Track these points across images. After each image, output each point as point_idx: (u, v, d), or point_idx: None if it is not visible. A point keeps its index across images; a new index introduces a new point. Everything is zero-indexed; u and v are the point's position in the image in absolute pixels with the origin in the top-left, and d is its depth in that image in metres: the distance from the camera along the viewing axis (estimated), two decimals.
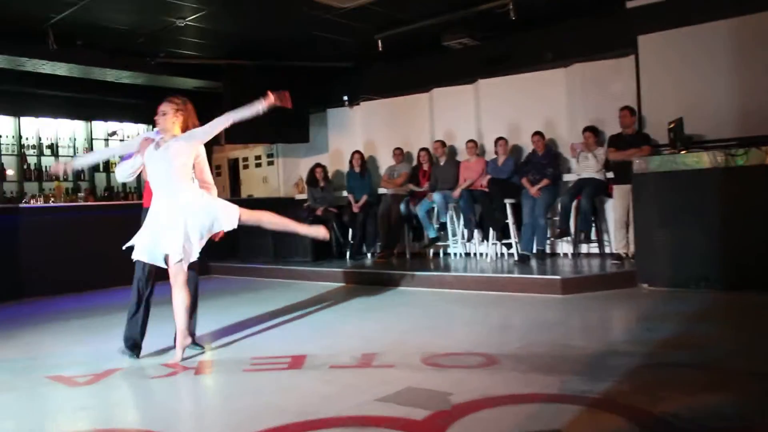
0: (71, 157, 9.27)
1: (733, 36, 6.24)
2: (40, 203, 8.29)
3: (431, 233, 7.53)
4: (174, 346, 3.89)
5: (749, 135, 5.74)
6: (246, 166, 10.99)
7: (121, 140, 9.52)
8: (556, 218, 6.87)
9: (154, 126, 4.04)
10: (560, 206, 6.74)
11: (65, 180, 9.15)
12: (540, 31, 7.79)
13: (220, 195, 4.14)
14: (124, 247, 3.82)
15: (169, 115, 3.78)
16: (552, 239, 7.16)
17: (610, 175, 6.62)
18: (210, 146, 8.70)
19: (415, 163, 8.36)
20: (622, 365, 3.20)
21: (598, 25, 7.31)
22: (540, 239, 6.86)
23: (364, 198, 8.22)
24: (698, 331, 4.00)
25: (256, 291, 6.96)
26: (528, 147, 7.48)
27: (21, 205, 7.80)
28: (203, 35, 7.87)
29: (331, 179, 8.86)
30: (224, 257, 8.46)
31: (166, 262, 3.77)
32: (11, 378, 3.67)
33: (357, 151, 8.59)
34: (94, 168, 9.78)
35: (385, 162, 8.86)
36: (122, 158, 4.02)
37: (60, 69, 8.26)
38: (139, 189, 9.66)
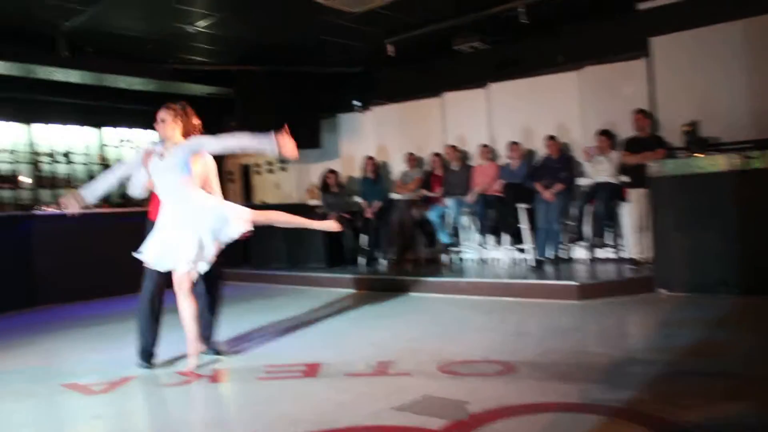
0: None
1: (746, 37, 6.18)
2: (54, 210, 8.30)
3: (444, 239, 7.50)
4: (187, 354, 3.88)
5: (764, 137, 5.67)
6: (258, 173, 11.01)
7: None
8: (571, 223, 6.82)
9: None
10: (576, 211, 6.68)
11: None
12: (551, 35, 7.73)
13: (233, 201, 4.14)
14: (134, 254, 3.79)
15: (169, 122, 3.75)
16: (567, 244, 7.10)
17: (625, 178, 6.55)
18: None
19: (427, 168, 8.35)
20: (641, 373, 3.15)
21: (609, 28, 7.24)
22: (554, 244, 6.81)
23: (378, 204, 8.21)
24: (718, 338, 3.94)
25: (269, 298, 6.94)
26: (541, 151, 7.44)
27: (35, 212, 7.82)
28: (214, 41, 7.89)
29: (343, 185, 8.85)
30: (237, 264, 8.46)
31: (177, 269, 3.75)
32: (29, 386, 3.71)
33: (370, 157, 8.59)
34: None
35: (397, 167, 8.85)
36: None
37: (72, 76, 8.30)
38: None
